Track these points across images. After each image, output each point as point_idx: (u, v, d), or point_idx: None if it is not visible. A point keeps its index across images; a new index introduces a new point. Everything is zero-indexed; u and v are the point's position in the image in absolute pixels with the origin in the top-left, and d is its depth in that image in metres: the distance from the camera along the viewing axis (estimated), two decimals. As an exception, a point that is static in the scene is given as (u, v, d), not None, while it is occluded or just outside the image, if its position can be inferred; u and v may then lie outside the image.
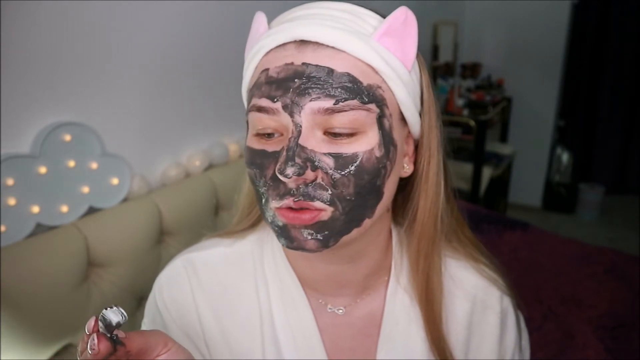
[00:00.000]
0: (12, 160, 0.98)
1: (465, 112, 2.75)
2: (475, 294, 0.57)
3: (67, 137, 1.07)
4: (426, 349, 0.53)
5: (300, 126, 0.41)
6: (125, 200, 1.21)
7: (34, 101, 1.03)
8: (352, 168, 0.42)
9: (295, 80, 0.41)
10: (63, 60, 1.07)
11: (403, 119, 0.47)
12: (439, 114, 0.51)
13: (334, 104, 0.41)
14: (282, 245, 0.45)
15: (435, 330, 0.53)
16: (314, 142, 0.42)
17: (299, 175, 0.40)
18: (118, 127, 1.21)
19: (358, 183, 0.42)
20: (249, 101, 0.45)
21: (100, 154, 1.14)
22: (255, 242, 0.57)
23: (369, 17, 0.45)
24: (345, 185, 0.42)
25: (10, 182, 0.98)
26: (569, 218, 3.37)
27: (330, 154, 0.42)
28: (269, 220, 0.45)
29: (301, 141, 0.41)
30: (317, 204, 0.42)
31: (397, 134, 0.46)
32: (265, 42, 0.44)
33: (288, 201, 0.42)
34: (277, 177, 0.42)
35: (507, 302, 0.59)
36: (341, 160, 0.42)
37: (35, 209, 1.03)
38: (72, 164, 1.09)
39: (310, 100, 0.41)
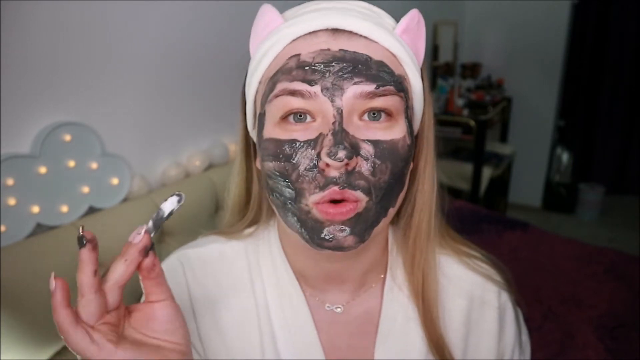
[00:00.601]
0: (12, 160, 0.98)
1: (465, 112, 2.75)
2: (471, 291, 0.57)
3: (67, 137, 1.07)
4: (424, 347, 0.53)
5: (342, 110, 0.41)
6: (125, 200, 1.22)
7: (34, 101, 1.03)
8: (391, 155, 0.42)
9: (334, 64, 0.41)
10: (63, 60, 1.07)
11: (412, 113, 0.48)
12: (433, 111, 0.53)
13: (376, 88, 0.41)
14: (314, 247, 0.43)
15: (433, 327, 0.53)
16: (353, 127, 0.42)
17: (350, 158, 0.39)
18: (118, 127, 1.21)
19: (393, 170, 0.42)
20: (272, 89, 0.43)
21: (100, 154, 1.14)
22: (251, 240, 0.56)
23: (385, 17, 0.48)
24: (382, 172, 0.42)
25: (10, 182, 0.98)
26: (569, 218, 3.37)
27: (369, 141, 0.42)
28: (296, 219, 0.43)
29: (344, 126, 0.41)
30: (358, 193, 0.41)
31: (413, 125, 0.48)
32: (291, 30, 0.44)
33: (331, 191, 0.40)
34: (316, 167, 0.41)
35: (506, 298, 0.58)
36: (380, 147, 0.42)
37: (35, 209, 1.03)
38: (72, 164, 1.09)
39: (354, 84, 0.41)
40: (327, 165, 0.40)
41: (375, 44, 0.43)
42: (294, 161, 0.41)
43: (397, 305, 0.54)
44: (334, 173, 0.40)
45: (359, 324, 0.54)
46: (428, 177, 0.51)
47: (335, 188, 0.40)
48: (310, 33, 0.44)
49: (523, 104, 3.35)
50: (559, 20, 3.16)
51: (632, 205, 3.42)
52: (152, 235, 0.38)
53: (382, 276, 0.56)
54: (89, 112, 1.13)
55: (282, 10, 0.48)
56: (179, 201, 0.40)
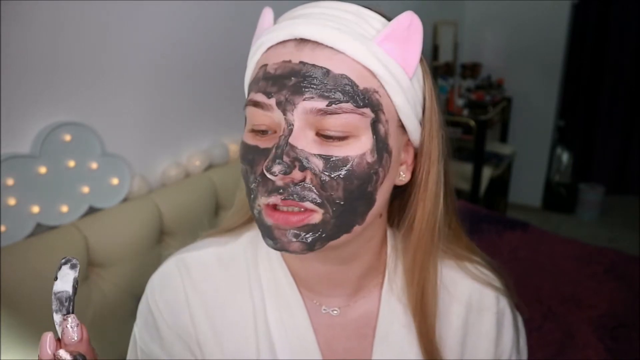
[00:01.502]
0: (12, 160, 0.98)
1: (465, 112, 2.75)
2: (469, 296, 0.57)
3: (67, 137, 1.07)
4: (421, 350, 0.53)
5: (292, 124, 0.41)
6: (125, 200, 1.21)
7: (34, 101, 1.03)
8: (342, 171, 0.41)
9: (292, 78, 0.41)
10: (63, 60, 1.06)
11: (402, 126, 0.46)
12: (442, 123, 0.50)
13: (327, 106, 0.41)
14: (267, 245, 0.44)
15: (429, 343, 0.52)
16: (305, 142, 0.41)
17: (285, 174, 0.40)
18: (118, 127, 1.21)
19: (347, 187, 0.42)
20: (248, 95, 0.45)
21: (100, 154, 1.14)
22: (250, 242, 0.56)
23: (374, 20, 0.45)
24: (333, 188, 0.41)
25: (10, 182, 0.98)
26: (569, 218, 3.37)
27: (320, 156, 0.41)
28: (256, 217, 0.45)
29: (292, 140, 0.41)
30: (307, 204, 0.41)
31: (394, 141, 0.45)
32: (266, 38, 0.44)
33: (275, 198, 0.42)
34: (265, 175, 0.42)
35: (504, 303, 0.58)
36: (331, 163, 0.41)
37: (35, 209, 1.03)
38: (72, 164, 1.09)
39: (304, 100, 0.41)
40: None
41: (340, 55, 0.42)
42: (252, 166, 0.44)
43: (394, 310, 0.54)
44: (278, 183, 0.41)
45: (356, 327, 0.54)
46: (430, 192, 0.49)
47: (279, 196, 0.41)
48: (280, 43, 0.43)
49: (523, 104, 3.35)
50: (559, 20, 3.16)
51: (632, 205, 3.42)
52: (72, 315, 0.36)
53: (380, 280, 0.55)
54: (89, 112, 1.13)
55: (284, 11, 0.48)
56: (72, 267, 0.35)
